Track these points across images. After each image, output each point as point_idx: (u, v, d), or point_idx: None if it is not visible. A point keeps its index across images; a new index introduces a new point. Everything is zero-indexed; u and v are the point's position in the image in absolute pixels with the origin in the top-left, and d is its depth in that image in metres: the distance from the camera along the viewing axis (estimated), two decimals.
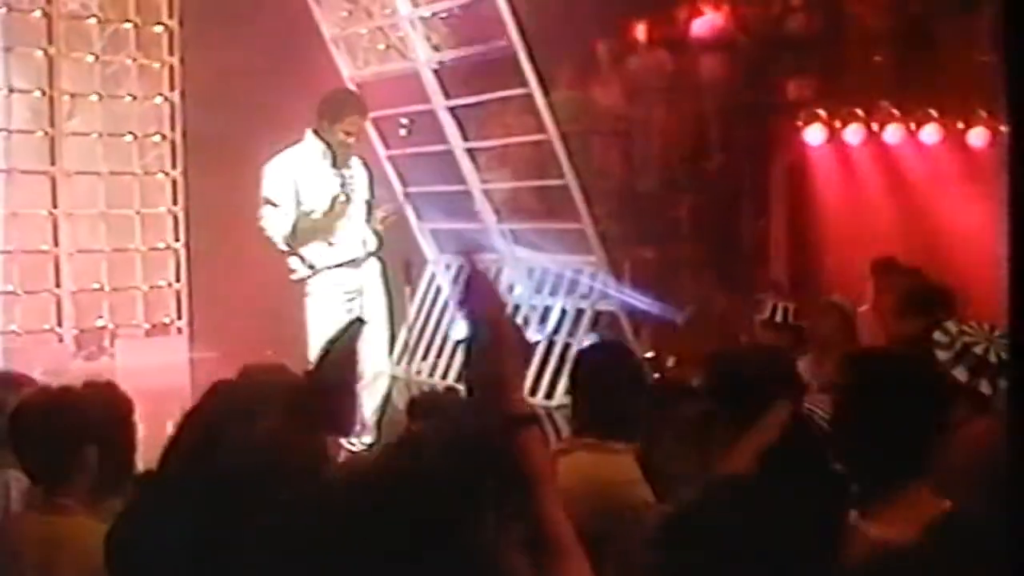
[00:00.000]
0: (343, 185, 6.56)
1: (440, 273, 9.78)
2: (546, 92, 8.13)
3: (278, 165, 6.62)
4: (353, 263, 6.63)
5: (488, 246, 9.16)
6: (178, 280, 10.15)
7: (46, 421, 3.09)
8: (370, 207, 6.84)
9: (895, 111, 9.92)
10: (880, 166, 10.14)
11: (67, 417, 3.06)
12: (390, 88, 9.30)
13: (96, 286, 9.84)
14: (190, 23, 10.02)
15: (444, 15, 8.61)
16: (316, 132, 6.60)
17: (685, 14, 10.43)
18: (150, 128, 10.08)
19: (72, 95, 9.74)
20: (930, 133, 9.54)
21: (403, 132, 6.81)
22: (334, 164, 6.57)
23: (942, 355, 4.58)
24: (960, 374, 4.28)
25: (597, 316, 8.58)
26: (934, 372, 3.48)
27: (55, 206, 9.66)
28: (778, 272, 9.79)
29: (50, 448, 3.06)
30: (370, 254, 6.72)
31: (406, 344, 9.16)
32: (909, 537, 2.76)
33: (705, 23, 10.41)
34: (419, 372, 9.23)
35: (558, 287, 8.95)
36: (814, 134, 10.13)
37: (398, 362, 9.07)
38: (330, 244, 6.62)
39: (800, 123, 10.08)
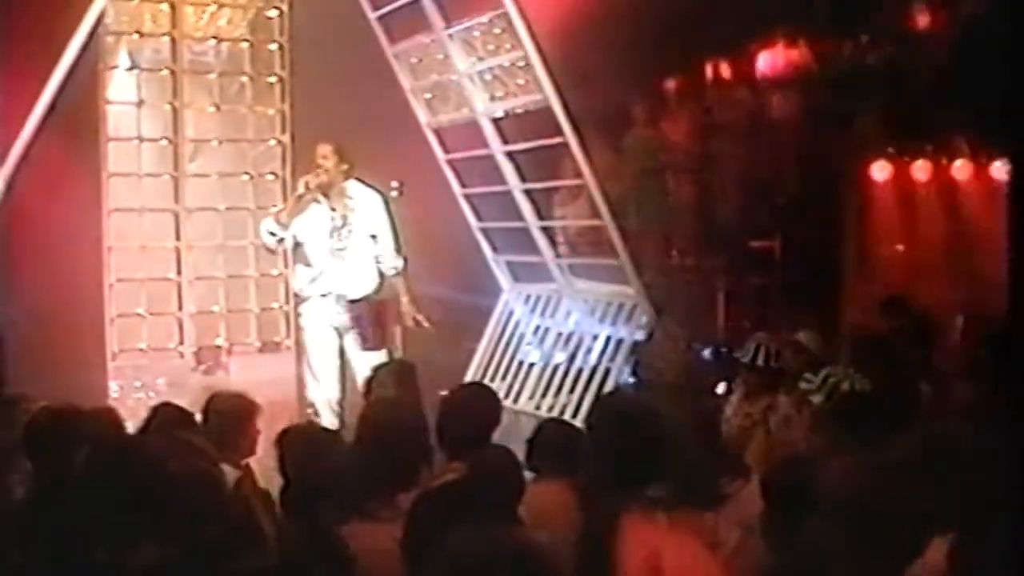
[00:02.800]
0: (334, 216, 7.33)
1: (513, 301, 10.70)
2: (582, 141, 8.92)
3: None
4: (340, 298, 7.31)
5: (549, 277, 10.06)
6: (287, 303, 11.27)
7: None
8: (376, 239, 7.44)
9: (965, 147, 10.24)
10: (946, 202, 10.43)
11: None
12: (463, 133, 10.30)
13: (215, 309, 11.09)
14: (298, 76, 11.18)
15: (496, 70, 9.52)
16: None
17: (757, 52, 11.02)
18: (264, 168, 11.28)
19: (194, 141, 11.03)
20: (1000, 170, 9.72)
21: (394, 194, 7.54)
22: (326, 195, 7.35)
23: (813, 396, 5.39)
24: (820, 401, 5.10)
25: (635, 345, 9.34)
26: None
27: (178, 239, 10.92)
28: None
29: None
30: (364, 297, 7.34)
31: (479, 366, 10.15)
32: None
33: (777, 60, 10.94)
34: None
35: (613, 316, 9.74)
36: (880, 170, 10.57)
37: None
38: (318, 273, 7.34)
39: (869, 159, 10.52)
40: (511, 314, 10.58)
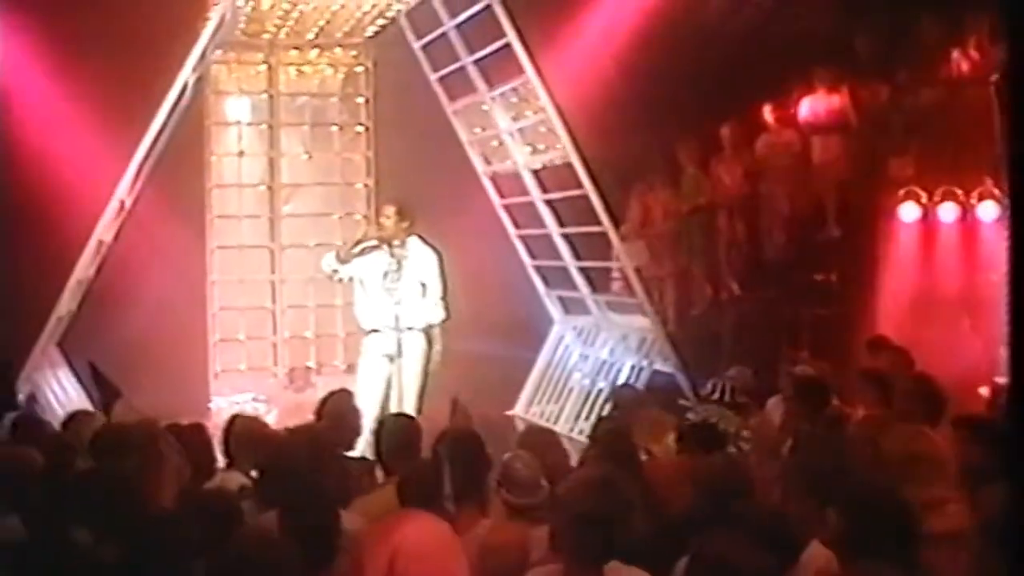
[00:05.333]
0: (390, 262, 8.57)
1: (563, 331, 11.76)
2: (600, 192, 9.92)
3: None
4: (392, 331, 8.54)
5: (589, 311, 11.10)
6: None
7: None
8: (425, 288, 8.72)
9: (996, 190, 10.62)
10: (973, 243, 10.83)
11: None
12: (513, 181, 11.41)
13: (307, 334, 12.44)
14: (381, 127, 12.45)
15: (530, 129, 10.61)
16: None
17: (805, 98, 11.71)
18: (351, 209, 12.55)
19: (289, 186, 12.47)
20: None
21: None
22: (386, 243, 8.63)
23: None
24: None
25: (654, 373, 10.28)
26: None
27: (274, 272, 12.28)
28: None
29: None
30: (409, 328, 8.60)
31: (535, 390, 11.26)
32: None
33: (819, 105, 11.60)
34: (541, 415, 11.28)
35: (639, 347, 10.71)
36: (908, 211, 11.07)
37: (528, 405, 11.18)
38: (374, 309, 8.60)
39: (898, 200, 11.03)
40: (560, 342, 11.64)
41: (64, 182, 10.26)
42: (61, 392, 10.68)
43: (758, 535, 4.11)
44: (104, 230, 10.03)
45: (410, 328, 8.66)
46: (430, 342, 8.85)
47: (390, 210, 8.80)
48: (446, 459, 5.28)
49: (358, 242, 8.83)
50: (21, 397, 9.87)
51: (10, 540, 4.57)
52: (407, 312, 8.64)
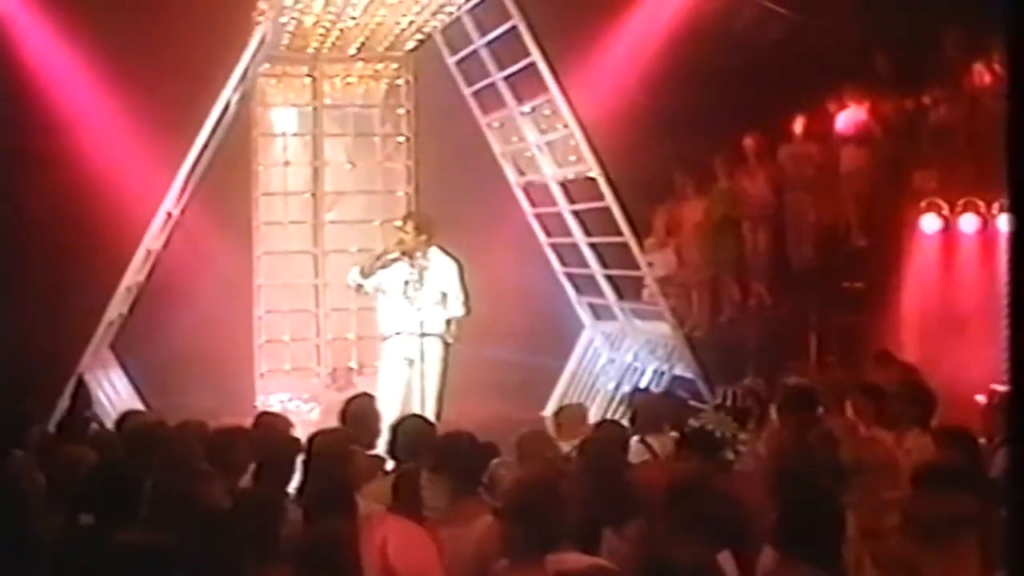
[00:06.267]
0: (411, 272, 9.04)
1: (593, 336, 12.17)
2: (622, 205, 10.30)
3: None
4: (412, 335, 9.01)
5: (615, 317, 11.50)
6: None
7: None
8: (445, 296, 9.17)
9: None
10: (993, 254, 10.98)
11: None
12: (544, 191, 11.83)
13: (349, 336, 12.97)
14: (421, 137, 12.90)
15: (557, 143, 11.02)
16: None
17: (830, 110, 11.97)
18: (392, 215, 12.94)
19: (332, 193, 12.98)
20: None
21: None
22: (407, 255, 9.10)
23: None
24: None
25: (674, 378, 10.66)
26: None
27: (317, 277, 12.84)
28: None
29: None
30: (427, 334, 9.05)
31: (565, 392, 11.68)
32: None
33: (844, 118, 11.84)
34: None
35: (660, 352, 11.09)
36: (930, 222, 11.27)
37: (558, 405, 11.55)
38: (395, 316, 9.07)
39: (920, 211, 11.23)
40: (589, 347, 12.04)
41: (114, 196, 10.89)
42: (113, 392, 11.29)
43: (719, 536, 4.47)
44: (152, 239, 10.60)
45: (429, 334, 9.08)
46: (447, 346, 9.24)
47: (409, 225, 9.25)
48: (445, 459, 5.68)
49: (379, 256, 9.28)
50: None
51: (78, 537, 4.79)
52: (427, 319, 9.06)
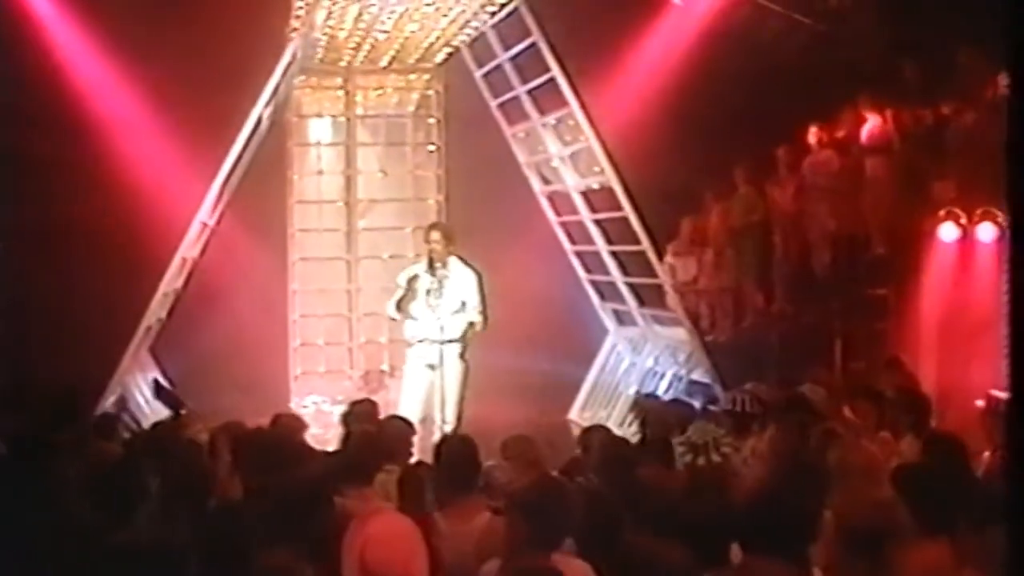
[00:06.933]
0: (432, 281, 9.39)
1: (616, 341, 12.45)
2: (640, 214, 10.57)
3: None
4: (433, 342, 9.37)
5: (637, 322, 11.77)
6: None
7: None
8: (464, 305, 9.47)
9: None
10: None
11: None
12: (567, 200, 12.12)
13: (381, 340, 13.33)
14: (451, 146, 13.25)
15: (579, 154, 11.31)
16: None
17: (851, 120, 12.16)
18: (423, 222, 13.32)
19: (365, 201, 13.35)
20: None
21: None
22: (430, 266, 9.47)
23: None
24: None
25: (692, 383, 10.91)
26: None
27: (350, 282, 13.22)
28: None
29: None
30: (447, 341, 9.40)
31: (588, 396, 11.98)
32: None
33: (865, 128, 12.01)
34: (593, 419, 11.94)
35: (678, 357, 11.35)
36: (948, 231, 11.41)
37: (581, 410, 11.89)
38: (418, 323, 9.42)
39: (939, 220, 11.36)
40: (612, 352, 12.33)
41: (151, 206, 11.33)
42: (151, 394, 11.69)
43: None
44: (187, 248, 10.99)
45: (450, 341, 9.40)
46: (466, 352, 9.56)
47: (437, 235, 9.58)
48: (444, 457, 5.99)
49: (410, 281, 9.50)
50: (112, 401, 10.84)
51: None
52: (447, 326, 9.39)
